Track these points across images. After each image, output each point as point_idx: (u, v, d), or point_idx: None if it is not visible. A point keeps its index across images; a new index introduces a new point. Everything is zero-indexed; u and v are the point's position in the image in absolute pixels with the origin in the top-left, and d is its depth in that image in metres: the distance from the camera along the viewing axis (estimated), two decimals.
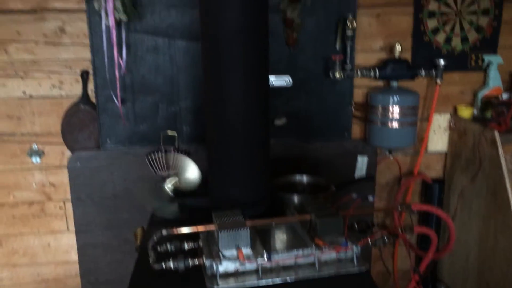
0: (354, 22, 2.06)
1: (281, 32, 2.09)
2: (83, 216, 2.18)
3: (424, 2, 2.18)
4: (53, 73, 2.11)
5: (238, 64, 1.51)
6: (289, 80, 2.15)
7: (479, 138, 2.07)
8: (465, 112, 2.27)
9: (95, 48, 2.02)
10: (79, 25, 2.05)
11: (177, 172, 1.81)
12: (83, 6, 2.01)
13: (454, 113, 2.34)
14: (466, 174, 2.20)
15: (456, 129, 2.29)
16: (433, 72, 2.16)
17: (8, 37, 2.04)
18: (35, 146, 2.18)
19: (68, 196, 2.19)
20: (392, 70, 2.14)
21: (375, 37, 2.22)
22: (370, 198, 1.60)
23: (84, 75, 2.10)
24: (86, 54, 2.07)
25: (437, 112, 2.30)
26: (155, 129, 2.13)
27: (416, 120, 2.17)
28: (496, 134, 1.96)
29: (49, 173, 2.22)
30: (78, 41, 2.08)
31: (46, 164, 2.21)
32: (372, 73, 2.14)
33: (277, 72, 2.13)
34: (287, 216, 1.51)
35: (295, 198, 1.69)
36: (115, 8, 1.87)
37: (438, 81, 2.16)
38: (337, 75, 2.09)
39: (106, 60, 1.98)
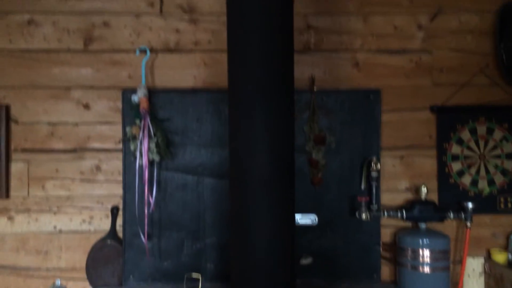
0: (379, 164, 2.11)
1: (306, 172, 2.15)
2: None
3: (446, 146, 2.23)
4: (85, 209, 2.18)
5: (264, 204, 1.54)
6: (315, 219, 2.15)
7: None
8: (500, 257, 2.17)
9: (127, 185, 2.11)
10: (115, 164, 2.17)
11: None
12: (120, 146, 2.15)
13: (488, 257, 2.24)
14: None
15: (492, 274, 2.18)
16: (462, 214, 2.13)
17: (47, 175, 2.16)
18: (58, 282, 2.16)
19: None
20: (420, 212, 2.12)
21: (400, 178, 2.25)
22: None
23: (114, 211, 2.16)
24: (118, 190, 2.16)
25: (470, 256, 2.22)
26: (179, 265, 2.11)
27: (448, 264, 2.08)
28: None
29: None
30: (111, 178, 2.18)
31: None
32: (399, 214, 2.12)
33: (302, 211, 2.14)
34: None
35: None
36: (149, 149, 2.00)
37: (468, 224, 2.11)
38: (363, 216, 2.08)
39: (136, 197, 2.06)
